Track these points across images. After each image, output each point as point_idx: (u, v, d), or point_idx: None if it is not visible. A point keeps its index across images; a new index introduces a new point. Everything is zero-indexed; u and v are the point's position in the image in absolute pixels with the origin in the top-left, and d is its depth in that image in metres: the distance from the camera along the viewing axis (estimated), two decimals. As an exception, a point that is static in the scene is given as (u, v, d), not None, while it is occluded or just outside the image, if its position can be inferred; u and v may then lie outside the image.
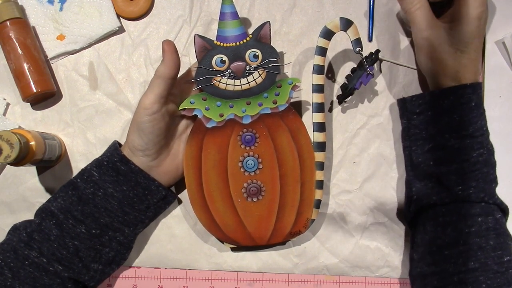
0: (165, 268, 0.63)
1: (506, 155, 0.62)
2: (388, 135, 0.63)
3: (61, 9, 0.63)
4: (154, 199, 0.57)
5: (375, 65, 0.61)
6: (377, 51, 0.58)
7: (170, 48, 0.52)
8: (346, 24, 0.56)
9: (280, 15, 0.64)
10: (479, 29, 0.53)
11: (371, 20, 0.63)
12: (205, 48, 0.55)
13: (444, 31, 0.55)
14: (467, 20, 0.53)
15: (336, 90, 0.63)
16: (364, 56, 0.57)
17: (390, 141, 0.63)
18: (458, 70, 0.54)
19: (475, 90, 0.54)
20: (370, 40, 0.63)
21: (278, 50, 0.63)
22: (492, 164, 0.55)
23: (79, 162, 0.63)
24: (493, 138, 0.63)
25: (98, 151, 0.63)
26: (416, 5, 0.56)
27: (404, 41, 0.63)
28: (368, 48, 0.62)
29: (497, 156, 0.62)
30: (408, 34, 0.63)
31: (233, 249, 0.62)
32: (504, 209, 0.55)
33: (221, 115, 0.57)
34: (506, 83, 0.63)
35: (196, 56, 0.56)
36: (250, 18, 0.63)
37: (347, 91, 0.59)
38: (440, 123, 0.56)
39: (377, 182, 0.62)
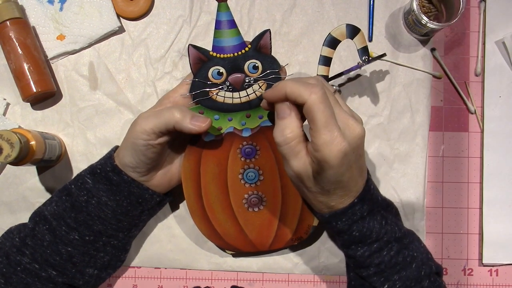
0: (165, 268, 0.63)
1: (506, 155, 0.62)
2: (388, 135, 0.63)
3: (61, 9, 0.63)
4: (149, 205, 0.56)
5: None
6: (384, 55, 0.57)
7: (207, 126, 0.49)
8: (353, 31, 0.53)
9: (280, 15, 0.64)
10: (343, 168, 0.44)
11: (371, 20, 0.63)
12: (200, 60, 0.53)
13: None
14: (324, 166, 0.44)
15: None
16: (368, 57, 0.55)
17: (390, 141, 0.63)
18: (335, 202, 0.48)
19: (364, 199, 0.48)
20: (370, 40, 0.63)
21: (278, 50, 0.63)
22: (406, 246, 0.50)
23: (79, 162, 0.63)
24: (493, 138, 0.63)
25: (98, 151, 0.63)
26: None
27: (404, 41, 0.63)
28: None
29: (497, 156, 0.62)
30: (408, 33, 0.63)
31: (234, 255, 0.62)
32: (438, 272, 0.52)
33: (220, 129, 0.55)
34: (506, 83, 0.63)
35: (191, 68, 0.53)
36: (250, 18, 0.63)
37: (335, 75, 0.58)
38: (341, 239, 0.51)
39: (377, 182, 0.62)
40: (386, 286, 0.49)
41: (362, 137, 0.45)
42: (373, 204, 0.49)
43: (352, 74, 0.63)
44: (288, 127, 0.45)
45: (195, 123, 0.49)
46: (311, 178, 0.46)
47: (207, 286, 0.57)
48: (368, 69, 0.63)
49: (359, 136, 0.44)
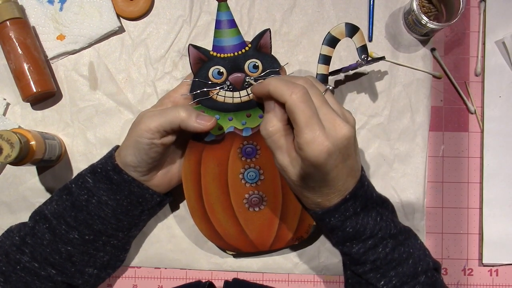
0: (165, 268, 0.63)
1: (506, 155, 0.62)
2: (388, 135, 0.63)
3: (61, 9, 0.63)
4: (149, 205, 0.56)
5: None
6: (383, 57, 0.57)
7: (213, 124, 0.51)
8: (352, 30, 0.53)
9: (280, 15, 0.64)
10: (327, 168, 0.44)
11: (371, 20, 0.63)
12: (201, 60, 0.53)
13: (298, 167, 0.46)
14: (308, 165, 0.44)
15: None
16: (369, 58, 0.55)
17: (390, 141, 0.63)
18: (321, 199, 0.47)
19: (357, 195, 0.47)
20: (370, 40, 0.63)
21: (278, 50, 0.63)
22: (401, 243, 0.50)
23: (79, 162, 0.63)
24: (493, 138, 0.63)
25: (98, 151, 0.63)
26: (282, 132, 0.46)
27: (404, 41, 0.63)
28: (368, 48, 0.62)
29: (497, 156, 0.62)
30: (408, 33, 0.63)
31: (235, 256, 0.62)
32: (437, 268, 0.53)
33: (220, 129, 0.54)
34: (506, 83, 0.63)
35: (191, 68, 0.53)
36: (250, 18, 0.63)
37: (334, 71, 0.59)
38: (336, 236, 0.50)
39: (377, 182, 0.62)
40: (382, 282, 0.49)
41: (350, 138, 0.44)
42: (366, 200, 0.49)
43: (351, 72, 0.62)
44: (271, 121, 0.46)
45: (200, 121, 0.50)
46: (295, 173, 0.46)
47: (209, 280, 0.57)
48: (368, 68, 0.63)
49: (345, 136, 0.44)
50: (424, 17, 0.57)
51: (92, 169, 0.54)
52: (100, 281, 0.58)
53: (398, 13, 0.64)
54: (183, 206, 0.62)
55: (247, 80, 0.53)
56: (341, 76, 0.63)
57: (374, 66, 0.63)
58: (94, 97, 0.63)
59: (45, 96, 0.62)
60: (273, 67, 0.53)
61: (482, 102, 0.63)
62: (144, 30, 0.64)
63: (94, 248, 0.54)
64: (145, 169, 0.52)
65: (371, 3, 0.63)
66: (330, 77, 0.61)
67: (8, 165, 0.62)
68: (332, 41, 0.54)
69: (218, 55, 0.53)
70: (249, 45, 0.53)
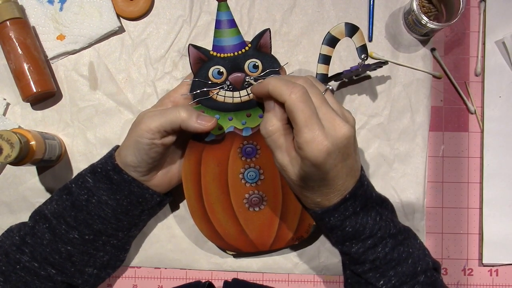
0: (165, 268, 0.63)
1: (506, 155, 0.62)
2: (388, 135, 0.63)
3: (61, 9, 0.63)
4: (149, 205, 0.56)
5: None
6: (386, 62, 0.58)
7: (213, 124, 0.51)
8: (352, 30, 0.54)
9: (280, 15, 0.64)
10: (327, 167, 0.44)
11: (371, 20, 0.63)
12: (201, 60, 0.53)
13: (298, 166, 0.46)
14: (307, 164, 0.44)
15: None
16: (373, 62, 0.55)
17: (390, 141, 0.63)
18: (321, 199, 0.47)
19: (356, 195, 0.47)
20: (370, 40, 0.63)
21: (278, 50, 0.63)
22: (401, 242, 0.50)
23: (79, 162, 0.63)
24: (493, 138, 0.63)
25: (98, 151, 0.63)
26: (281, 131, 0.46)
27: (404, 41, 0.63)
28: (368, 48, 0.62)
29: (497, 156, 0.62)
30: (408, 33, 0.63)
31: (235, 256, 0.62)
32: (436, 268, 0.53)
33: (220, 128, 0.54)
34: (506, 83, 0.63)
35: (191, 68, 0.53)
36: (250, 18, 0.63)
37: (335, 74, 0.59)
38: (335, 236, 0.50)
39: (377, 182, 0.62)
40: (381, 282, 0.49)
41: (349, 137, 0.44)
42: (366, 200, 0.49)
43: (355, 78, 0.62)
44: (270, 121, 0.46)
45: (201, 122, 0.50)
46: (295, 173, 0.46)
47: (208, 281, 0.57)
48: (372, 74, 0.63)
49: (345, 136, 0.44)
50: (424, 17, 0.57)
51: (92, 169, 0.54)
52: (100, 281, 0.58)
53: (398, 13, 0.64)
54: (183, 206, 0.62)
55: (247, 80, 0.53)
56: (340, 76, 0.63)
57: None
58: (94, 97, 0.63)
59: (45, 96, 0.62)
60: (273, 67, 0.53)
61: (482, 102, 0.63)
62: (144, 30, 0.64)
63: (94, 248, 0.54)
64: (145, 169, 0.52)
65: (371, 3, 0.63)
66: (334, 82, 0.62)
67: (8, 165, 0.62)
68: (332, 41, 0.54)
69: (218, 55, 0.53)
70: (249, 45, 0.53)
